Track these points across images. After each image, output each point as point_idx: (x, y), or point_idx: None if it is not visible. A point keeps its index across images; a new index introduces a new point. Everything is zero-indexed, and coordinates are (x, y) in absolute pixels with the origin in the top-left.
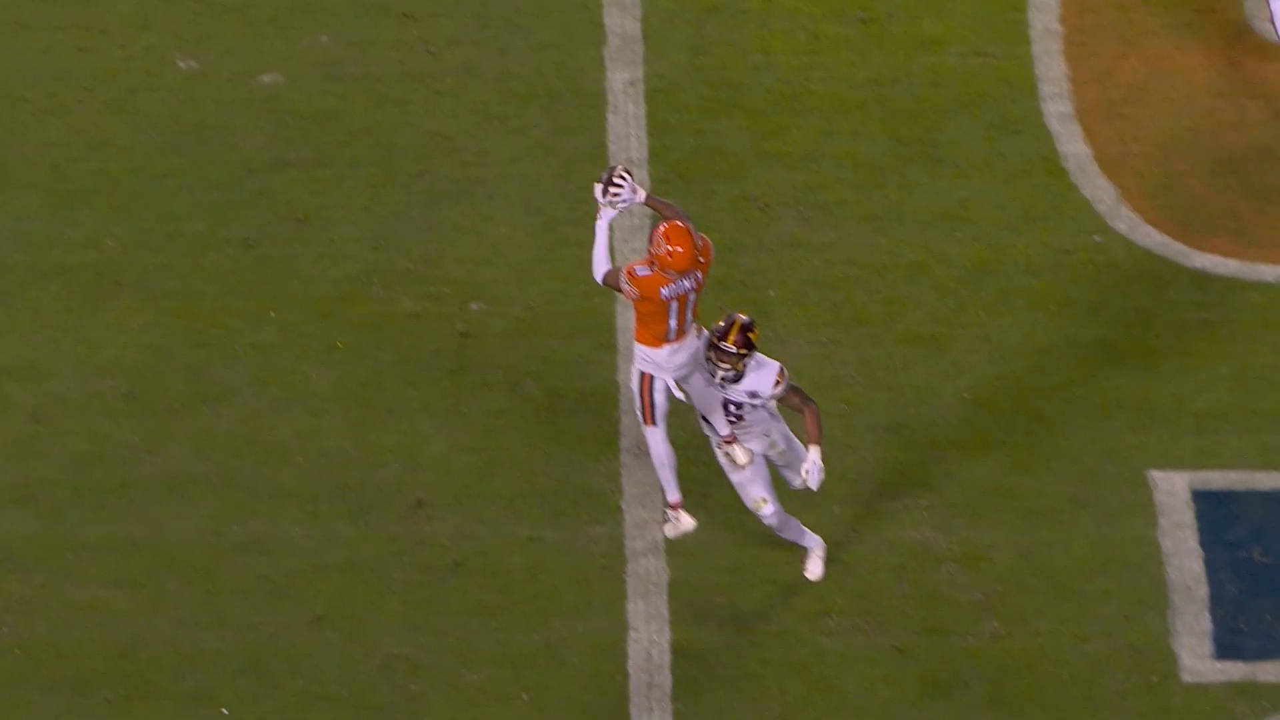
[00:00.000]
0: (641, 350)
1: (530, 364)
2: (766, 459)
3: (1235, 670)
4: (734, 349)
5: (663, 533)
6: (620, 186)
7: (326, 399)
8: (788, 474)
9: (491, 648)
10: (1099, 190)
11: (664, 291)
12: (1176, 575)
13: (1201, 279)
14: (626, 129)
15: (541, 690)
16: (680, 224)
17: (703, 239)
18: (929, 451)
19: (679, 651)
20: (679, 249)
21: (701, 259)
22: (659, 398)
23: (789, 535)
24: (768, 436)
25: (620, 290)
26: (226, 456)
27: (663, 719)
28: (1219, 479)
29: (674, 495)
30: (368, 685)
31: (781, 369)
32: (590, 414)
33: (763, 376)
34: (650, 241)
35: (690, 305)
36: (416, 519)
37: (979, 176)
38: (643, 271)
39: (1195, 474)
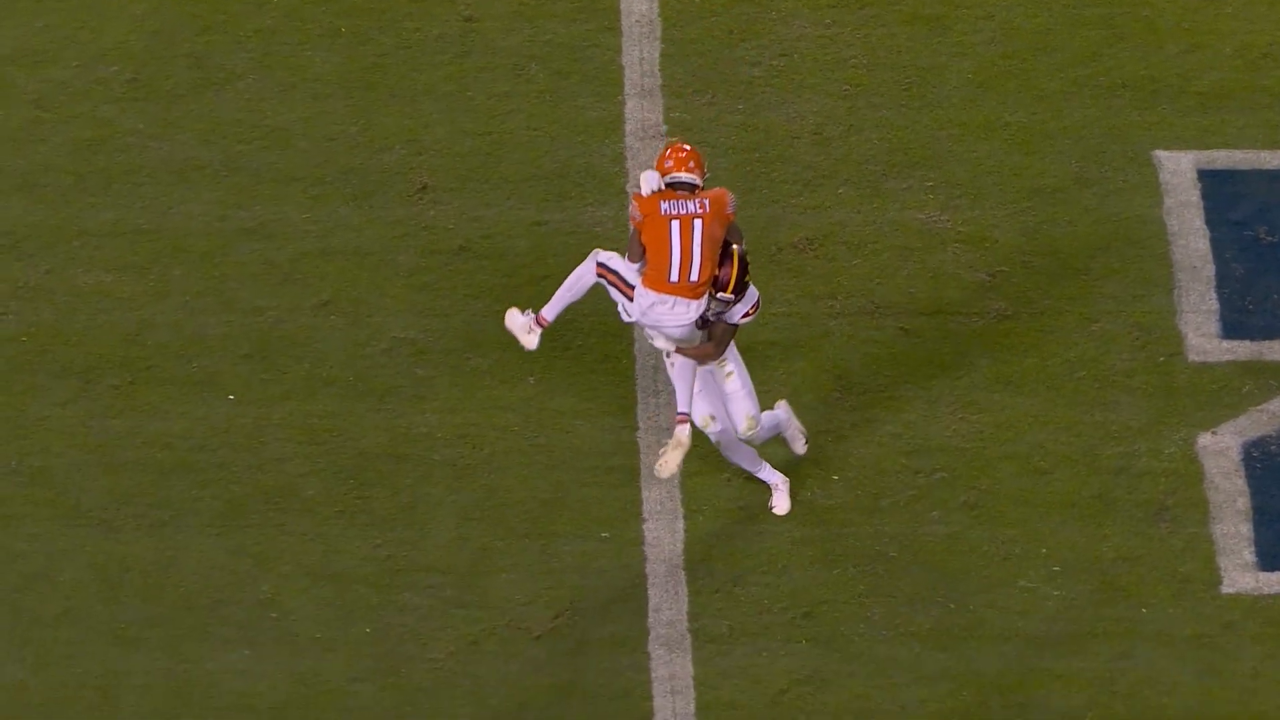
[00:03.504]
0: (638, 289)
1: (534, 47)
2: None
3: (1242, 349)
4: (731, 298)
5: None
6: None
7: (330, 83)
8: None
9: (497, 331)
10: None
11: (664, 206)
12: (1182, 254)
13: None
14: None
15: (548, 372)
16: (687, 146)
17: (722, 189)
18: (933, 132)
19: None
20: (679, 150)
21: (704, 179)
22: (625, 272)
23: (742, 463)
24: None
25: (630, 236)
26: (231, 141)
27: (669, 400)
28: (1224, 158)
29: (550, 313)
30: (373, 369)
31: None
32: (595, 96)
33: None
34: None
35: (696, 245)
36: (421, 203)
37: None
38: (647, 191)
39: (1200, 153)
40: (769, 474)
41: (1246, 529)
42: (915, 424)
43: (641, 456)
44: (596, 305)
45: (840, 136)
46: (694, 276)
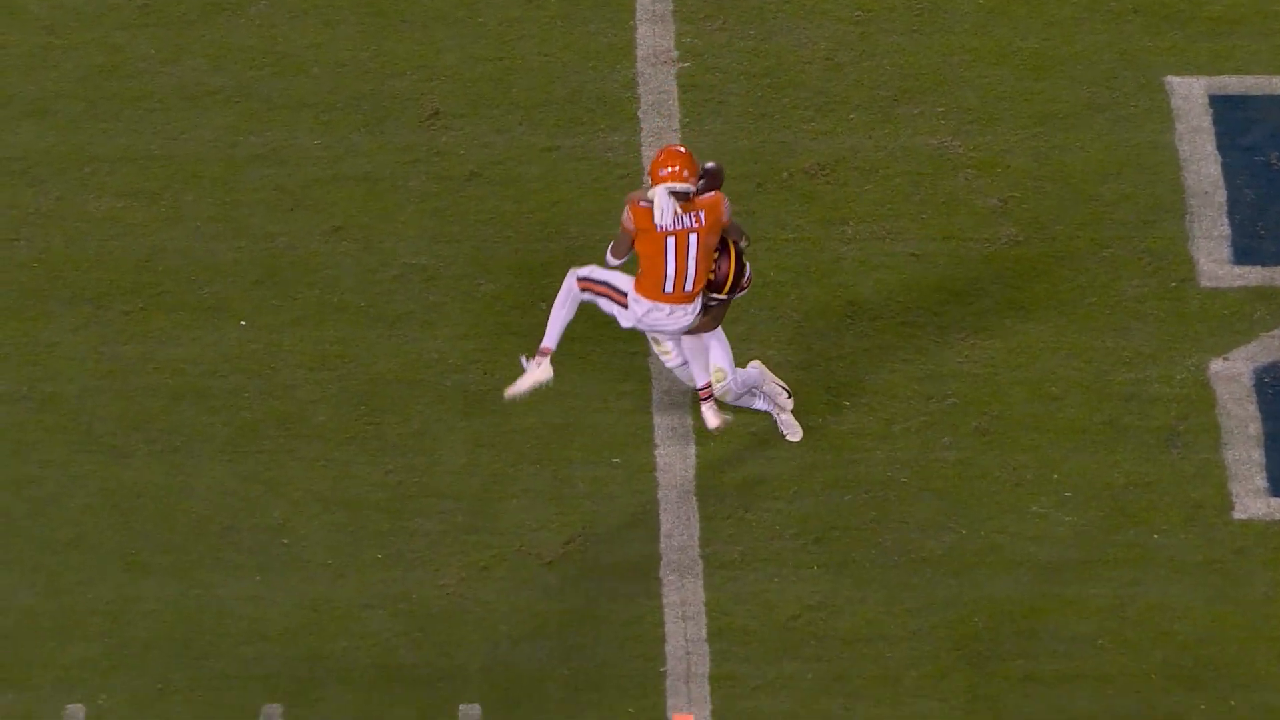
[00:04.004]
0: (632, 295)
1: None
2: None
3: (1253, 275)
4: (726, 298)
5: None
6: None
7: (342, 8)
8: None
9: (509, 257)
10: None
11: (660, 221)
12: (1194, 180)
13: None
14: None
15: None
16: (681, 149)
17: (718, 195)
18: (945, 58)
19: None
20: (674, 155)
21: (699, 187)
22: (613, 279)
23: (741, 403)
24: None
25: (620, 235)
26: (243, 67)
27: None
28: (1236, 83)
29: (550, 342)
30: (384, 295)
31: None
32: (606, 22)
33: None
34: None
35: (691, 259)
36: (433, 129)
37: None
38: (644, 203)
39: (1212, 79)
40: (765, 403)
41: (1258, 454)
42: (927, 350)
43: (653, 382)
44: (607, 230)
45: (852, 62)
46: (689, 287)
